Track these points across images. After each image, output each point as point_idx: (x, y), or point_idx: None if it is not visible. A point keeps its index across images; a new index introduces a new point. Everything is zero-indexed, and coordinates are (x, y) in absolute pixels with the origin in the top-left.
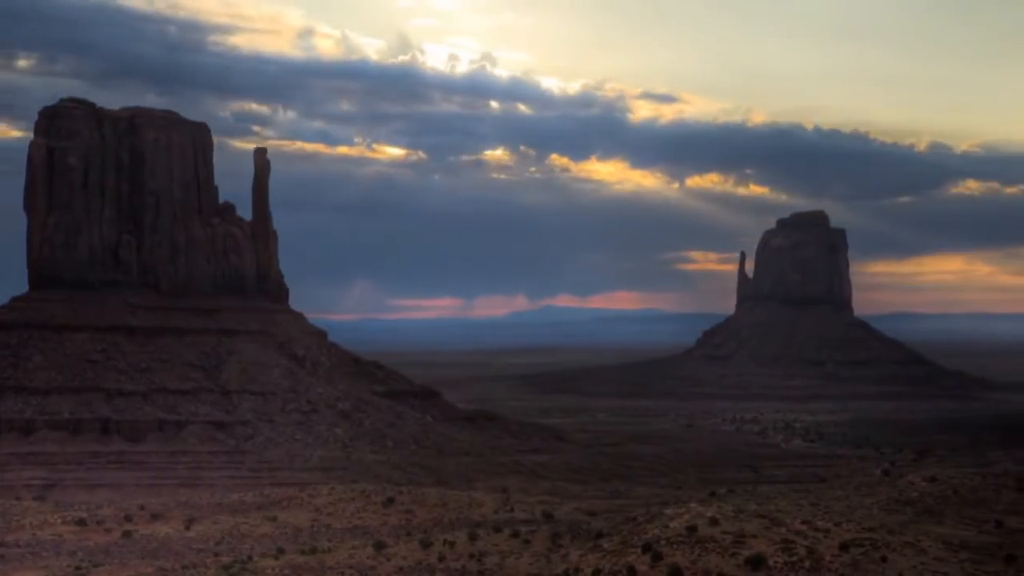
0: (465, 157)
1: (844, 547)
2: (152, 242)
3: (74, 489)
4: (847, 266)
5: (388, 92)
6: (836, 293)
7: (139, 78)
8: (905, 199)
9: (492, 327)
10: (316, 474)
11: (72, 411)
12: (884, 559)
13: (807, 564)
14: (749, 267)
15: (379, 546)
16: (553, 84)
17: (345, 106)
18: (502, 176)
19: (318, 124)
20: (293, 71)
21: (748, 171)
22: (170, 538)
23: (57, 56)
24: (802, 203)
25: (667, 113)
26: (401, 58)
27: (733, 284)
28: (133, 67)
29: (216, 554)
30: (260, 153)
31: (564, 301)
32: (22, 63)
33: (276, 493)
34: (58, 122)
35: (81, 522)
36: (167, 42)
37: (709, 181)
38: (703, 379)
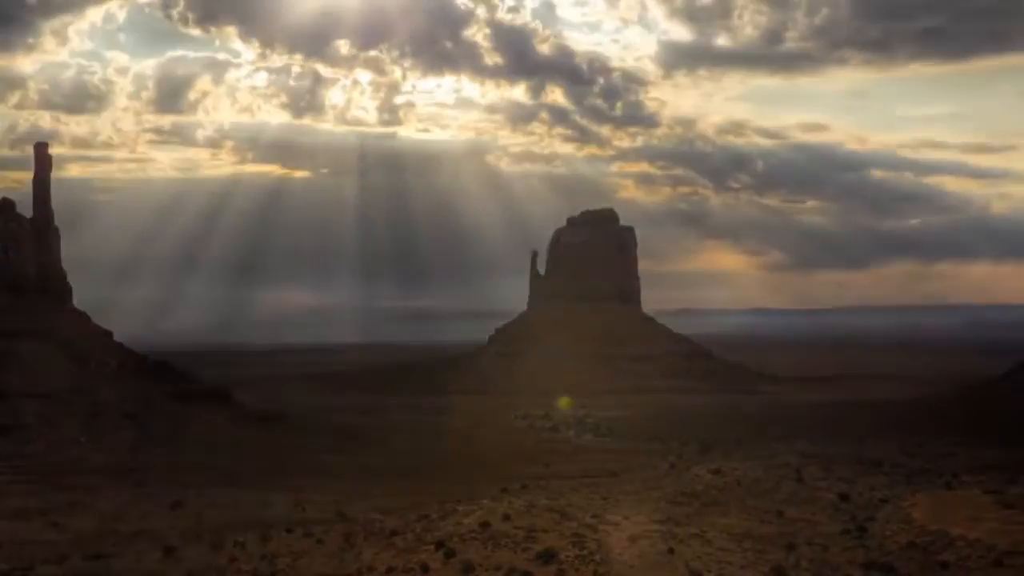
0: None
1: (633, 539)
2: None
3: None
4: (636, 263)
5: None
6: (625, 290)
7: None
8: None
9: (291, 324)
10: (101, 478)
11: None
12: (671, 550)
13: (597, 557)
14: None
15: (167, 550)
16: None
17: None
18: None
19: None
20: None
21: None
22: None
23: None
24: None
25: None
26: None
27: None
28: None
29: None
30: (41, 148)
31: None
32: None
33: (59, 498)
34: None
35: None
36: None
37: None
38: (496, 376)
